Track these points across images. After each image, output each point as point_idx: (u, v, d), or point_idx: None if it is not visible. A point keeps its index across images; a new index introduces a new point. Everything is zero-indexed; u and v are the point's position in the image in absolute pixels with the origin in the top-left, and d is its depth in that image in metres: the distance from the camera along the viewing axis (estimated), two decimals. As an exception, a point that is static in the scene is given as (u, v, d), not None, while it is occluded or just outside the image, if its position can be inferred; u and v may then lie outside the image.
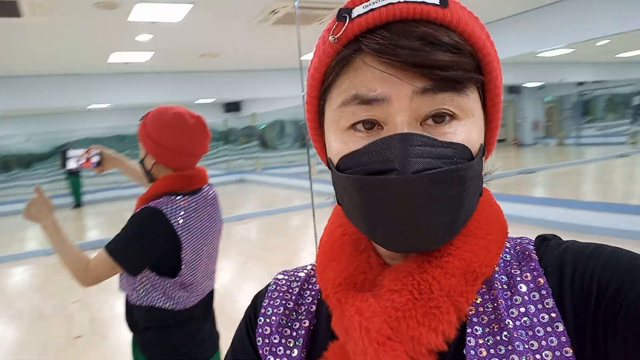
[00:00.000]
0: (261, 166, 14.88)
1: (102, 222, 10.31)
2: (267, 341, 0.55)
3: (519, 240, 0.52)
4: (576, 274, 0.44)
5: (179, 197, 1.49)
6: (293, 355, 0.53)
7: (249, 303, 0.61)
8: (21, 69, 6.99)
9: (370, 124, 0.45)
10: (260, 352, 0.55)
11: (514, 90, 16.54)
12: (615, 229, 5.42)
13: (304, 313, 0.56)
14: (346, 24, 0.44)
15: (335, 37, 0.45)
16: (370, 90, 0.43)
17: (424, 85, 0.42)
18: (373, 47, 0.42)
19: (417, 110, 0.43)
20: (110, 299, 4.73)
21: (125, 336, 1.59)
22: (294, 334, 0.54)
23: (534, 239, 0.52)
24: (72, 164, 1.73)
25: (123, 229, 1.44)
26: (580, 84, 14.87)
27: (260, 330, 0.56)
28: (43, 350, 3.85)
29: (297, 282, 0.59)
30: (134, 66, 7.51)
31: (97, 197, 12.95)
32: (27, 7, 4.14)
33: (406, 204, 0.42)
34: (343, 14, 0.44)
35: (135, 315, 1.53)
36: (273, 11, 5.29)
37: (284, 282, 0.60)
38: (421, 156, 0.42)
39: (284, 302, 0.57)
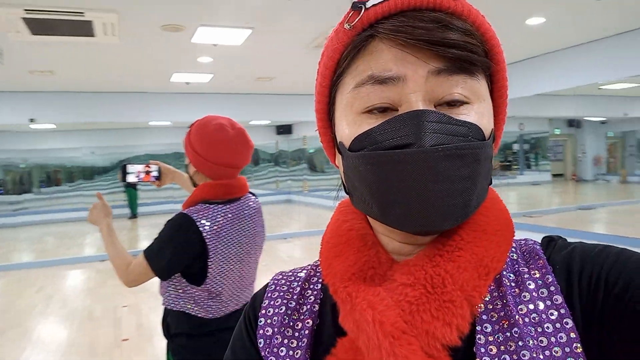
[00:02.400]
0: (308, 188, 14.98)
1: (154, 234, 10.57)
2: (269, 342, 0.53)
3: (523, 242, 0.51)
4: (584, 273, 0.44)
5: (212, 205, 1.52)
6: (296, 355, 0.51)
7: None
8: (90, 85, 7.42)
9: (384, 110, 0.45)
10: (262, 353, 0.53)
11: (574, 123, 15.89)
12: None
13: (307, 313, 0.54)
14: (361, 13, 0.45)
15: (351, 24, 0.45)
16: (385, 70, 0.44)
17: (438, 66, 0.43)
18: (389, 28, 0.43)
19: (432, 91, 0.43)
20: (159, 306, 4.80)
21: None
22: (297, 334, 0.53)
23: (539, 241, 0.51)
24: (131, 178, 1.78)
25: (159, 233, 1.50)
26: (646, 120, 14.10)
27: (261, 331, 0.55)
28: (91, 349, 3.99)
29: (298, 281, 0.58)
30: (194, 86, 7.82)
31: (152, 209, 13.41)
32: (99, 27, 4.42)
33: (422, 178, 0.41)
34: (358, 5, 0.45)
35: (168, 319, 1.57)
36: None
37: (283, 282, 0.58)
38: (437, 132, 0.42)
39: (285, 301, 0.56)
